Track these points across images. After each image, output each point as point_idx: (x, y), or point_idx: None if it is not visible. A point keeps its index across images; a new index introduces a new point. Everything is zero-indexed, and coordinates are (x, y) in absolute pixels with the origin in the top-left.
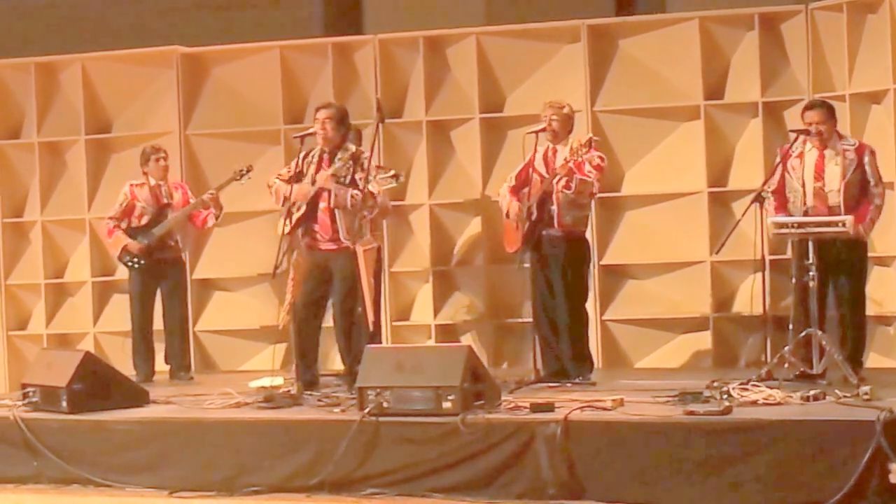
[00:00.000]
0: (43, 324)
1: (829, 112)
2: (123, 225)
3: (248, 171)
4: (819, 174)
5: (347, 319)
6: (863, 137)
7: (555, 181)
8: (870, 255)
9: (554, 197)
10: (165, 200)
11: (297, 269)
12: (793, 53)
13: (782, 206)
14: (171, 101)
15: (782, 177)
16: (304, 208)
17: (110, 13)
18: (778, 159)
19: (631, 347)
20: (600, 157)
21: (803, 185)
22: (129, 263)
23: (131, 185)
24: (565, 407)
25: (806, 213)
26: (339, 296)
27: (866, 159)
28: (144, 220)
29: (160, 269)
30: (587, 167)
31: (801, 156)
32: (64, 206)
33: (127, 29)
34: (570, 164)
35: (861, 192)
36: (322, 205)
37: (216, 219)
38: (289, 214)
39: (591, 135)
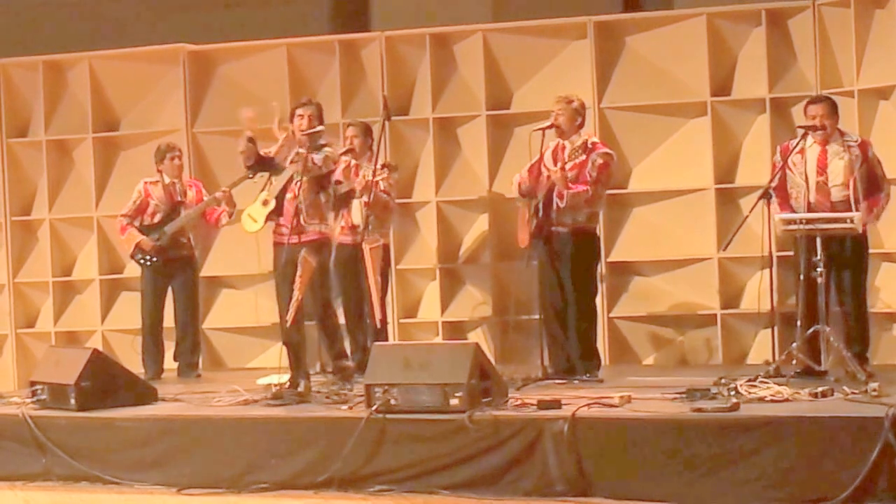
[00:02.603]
0: (51, 321)
1: (833, 107)
2: (137, 223)
3: None
4: (822, 169)
5: (322, 310)
6: (871, 133)
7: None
8: (880, 251)
9: (555, 194)
10: (179, 198)
11: (305, 266)
12: (800, 49)
13: (784, 202)
14: (178, 98)
15: (783, 173)
16: (272, 204)
17: (117, 11)
18: (778, 156)
19: (638, 344)
20: (606, 156)
21: (806, 181)
22: (142, 261)
23: (145, 182)
24: (573, 404)
25: (809, 208)
26: (310, 288)
27: (870, 153)
28: (157, 218)
29: (172, 267)
30: (589, 167)
31: (802, 151)
32: (72, 203)
33: (134, 27)
34: (567, 170)
35: (868, 185)
36: (288, 196)
37: (229, 216)
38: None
39: (585, 138)
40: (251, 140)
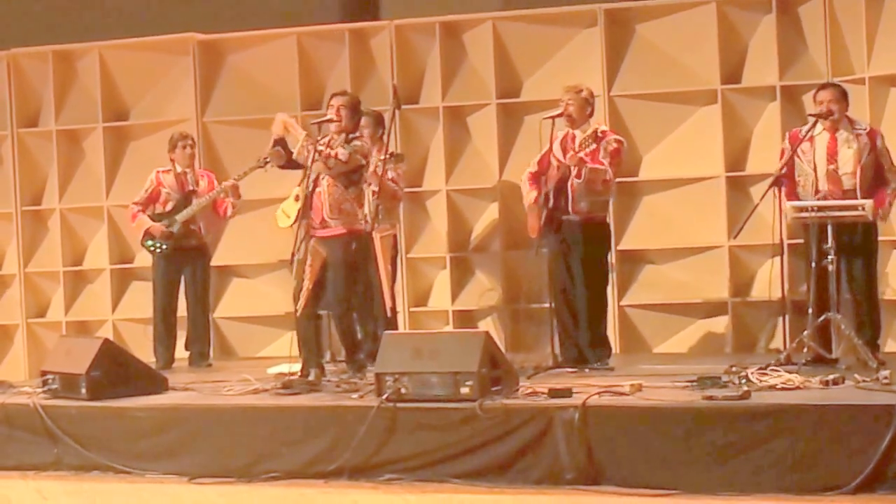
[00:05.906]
0: (62, 311)
1: (842, 93)
2: (149, 211)
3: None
4: (832, 157)
5: (342, 307)
6: (882, 120)
7: (573, 171)
8: (890, 238)
9: (569, 184)
10: (190, 188)
11: (314, 255)
12: (811, 36)
13: (791, 190)
14: (188, 88)
15: (791, 161)
16: (303, 199)
17: (127, 1)
18: (786, 142)
19: (649, 333)
20: (618, 142)
21: (815, 169)
22: (152, 248)
23: (158, 171)
24: (583, 392)
25: (819, 196)
26: (333, 283)
27: (879, 142)
28: (169, 207)
29: (183, 256)
30: (602, 153)
31: (811, 139)
32: (82, 193)
33: (143, 16)
34: (580, 155)
35: (875, 175)
36: (317, 190)
37: (233, 207)
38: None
39: (596, 126)
40: (281, 142)
